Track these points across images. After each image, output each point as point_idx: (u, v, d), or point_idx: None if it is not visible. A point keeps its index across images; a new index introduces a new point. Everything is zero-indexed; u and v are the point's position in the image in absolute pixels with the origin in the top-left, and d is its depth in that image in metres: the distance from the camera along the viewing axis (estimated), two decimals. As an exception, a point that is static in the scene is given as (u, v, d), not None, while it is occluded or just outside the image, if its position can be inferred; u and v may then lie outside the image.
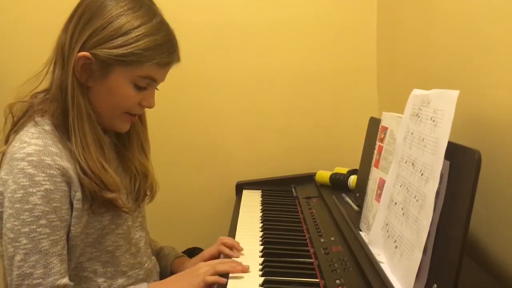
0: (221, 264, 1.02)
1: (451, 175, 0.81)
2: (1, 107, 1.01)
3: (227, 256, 1.11)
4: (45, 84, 0.99)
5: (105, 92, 0.97)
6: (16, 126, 0.98)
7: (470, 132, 1.03)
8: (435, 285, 0.78)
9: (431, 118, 0.88)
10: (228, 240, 1.16)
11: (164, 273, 1.18)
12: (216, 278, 0.98)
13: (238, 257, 1.09)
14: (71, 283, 0.91)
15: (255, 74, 1.77)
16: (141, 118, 1.12)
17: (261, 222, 1.33)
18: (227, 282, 0.96)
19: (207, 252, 1.17)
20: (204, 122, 1.79)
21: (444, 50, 1.20)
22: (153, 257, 1.16)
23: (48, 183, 0.88)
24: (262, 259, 1.05)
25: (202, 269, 1.00)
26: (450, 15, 1.17)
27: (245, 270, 1.01)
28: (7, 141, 0.97)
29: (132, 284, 1.04)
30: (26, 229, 0.86)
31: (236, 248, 1.12)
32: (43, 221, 0.87)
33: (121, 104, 0.99)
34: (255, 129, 1.80)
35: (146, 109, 1.07)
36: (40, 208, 0.87)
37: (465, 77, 1.09)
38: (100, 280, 1.00)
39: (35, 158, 0.88)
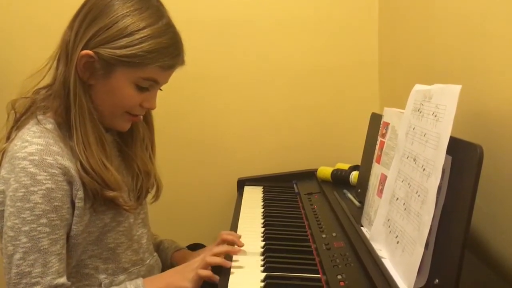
0: (212, 257, 1.00)
1: (453, 170, 0.81)
2: (4, 103, 1.01)
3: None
4: (47, 80, 0.99)
5: (106, 91, 0.96)
6: (18, 123, 0.98)
7: (472, 127, 1.03)
8: (437, 280, 0.78)
9: (433, 113, 0.87)
10: (229, 236, 1.15)
11: (165, 267, 1.18)
12: (208, 273, 0.97)
13: (238, 253, 1.09)
14: (69, 283, 0.91)
15: (257, 71, 1.77)
16: (147, 119, 1.11)
17: (263, 218, 1.32)
18: (229, 279, 0.96)
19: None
20: (205, 119, 1.79)
21: (446, 45, 1.20)
22: (155, 254, 1.16)
23: (49, 182, 0.88)
24: (264, 255, 1.05)
25: (195, 264, 1.00)
26: (451, 10, 1.16)
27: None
28: (8, 138, 0.97)
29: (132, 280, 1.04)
30: (26, 228, 0.87)
31: (237, 244, 1.12)
32: (43, 220, 0.88)
33: (122, 104, 0.99)
34: (256, 125, 1.80)
35: (149, 108, 1.07)
36: (41, 207, 0.87)
37: (467, 72, 1.08)
38: (102, 276, 1.00)
39: (36, 157, 0.88)
